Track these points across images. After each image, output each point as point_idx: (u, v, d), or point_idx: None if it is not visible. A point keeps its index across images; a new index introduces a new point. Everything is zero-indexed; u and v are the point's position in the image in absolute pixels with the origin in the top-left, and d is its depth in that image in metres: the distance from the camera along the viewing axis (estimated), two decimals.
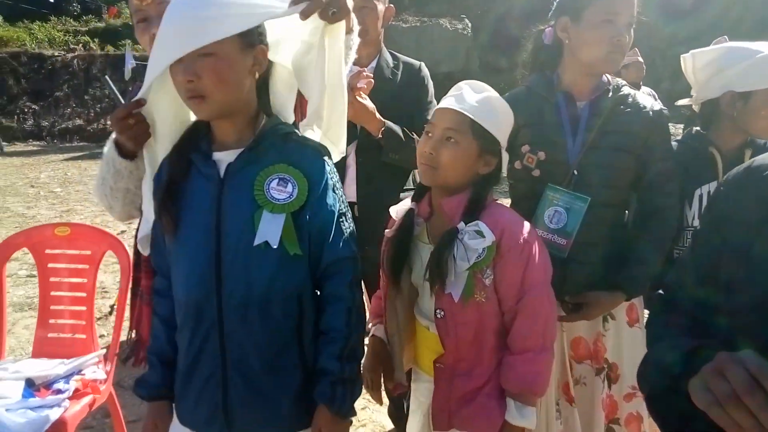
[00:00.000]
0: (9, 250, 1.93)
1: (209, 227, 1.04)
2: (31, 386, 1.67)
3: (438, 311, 1.19)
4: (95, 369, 1.80)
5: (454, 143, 1.18)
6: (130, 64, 18.57)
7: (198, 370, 1.06)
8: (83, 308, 1.95)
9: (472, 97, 1.21)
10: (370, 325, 1.41)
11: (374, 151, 1.83)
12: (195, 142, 1.11)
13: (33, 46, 23.73)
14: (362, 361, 1.20)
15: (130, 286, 1.59)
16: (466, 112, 1.18)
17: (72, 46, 24.15)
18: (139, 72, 20.47)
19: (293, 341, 1.07)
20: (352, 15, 1.20)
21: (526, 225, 1.23)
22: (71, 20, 26.47)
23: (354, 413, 1.10)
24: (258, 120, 1.13)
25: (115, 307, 3.47)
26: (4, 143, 17.51)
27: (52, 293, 1.97)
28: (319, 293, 1.13)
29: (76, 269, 1.95)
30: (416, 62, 2.00)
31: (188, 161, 1.09)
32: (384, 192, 1.85)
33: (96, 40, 24.50)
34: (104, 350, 1.85)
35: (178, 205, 1.07)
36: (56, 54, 23.70)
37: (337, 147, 1.25)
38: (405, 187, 1.97)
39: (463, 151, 1.18)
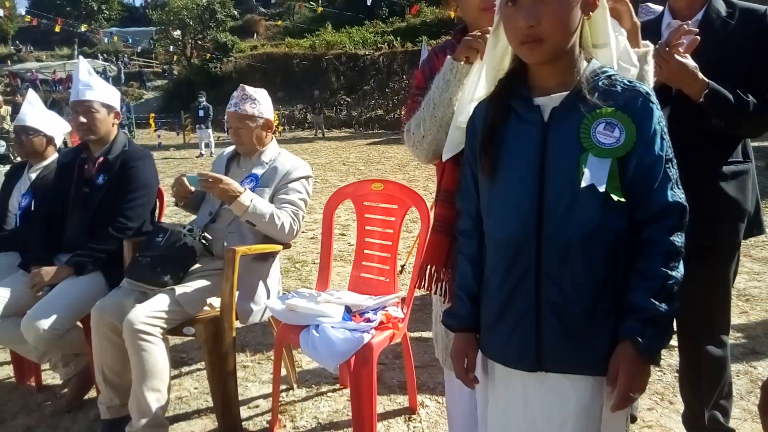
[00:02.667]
0: (340, 197, 2.33)
1: (533, 169, 1.06)
2: (349, 312, 1.99)
3: None
4: (396, 309, 2.04)
5: None
6: (426, 57, 20.43)
7: (511, 308, 1.09)
8: (388, 255, 2.22)
9: None
10: None
11: (693, 118, 1.58)
12: (514, 89, 1.13)
13: (350, 47, 28.10)
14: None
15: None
16: None
17: (379, 45, 27.77)
18: None
19: (608, 286, 1.03)
20: None
21: None
22: (380, 22, 30.38)
23: (659, 361, 1.01)
24: (579, 63, 1.09)
25: (405, 267, 3.90)
26: (325, 130, 21.34)
27: (366, 239, 2.29)
28: (637, 239, 1.05)
29: (385, 220, 2.23)
30: (761, 8, 1.64)
31: (508, 107, 1.12)
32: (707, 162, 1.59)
33: (398, 38, 27.63)
34: (403, 294, 2.08)
35: (498, 149, 1.11)
36: (367, 53, 27.61)
37: None
38: (731, 159, 1.66)
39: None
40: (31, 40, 40.31)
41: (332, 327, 1.89)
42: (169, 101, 27.88)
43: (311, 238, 5.27)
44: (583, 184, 1.00)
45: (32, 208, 2.62)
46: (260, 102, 2.30)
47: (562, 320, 1.04)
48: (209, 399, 2.41)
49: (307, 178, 2.35)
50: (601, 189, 0.99)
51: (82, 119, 2.36)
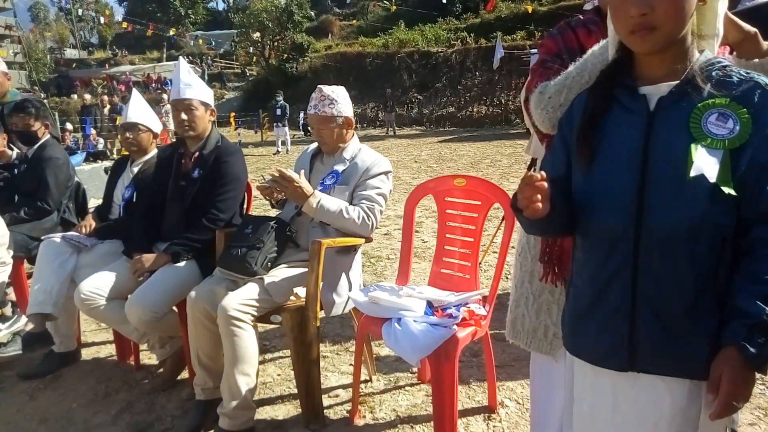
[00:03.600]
0: (421, 192, 2.34)
1: (635, 159, 1.01)
2: (431, 307, 1.99)
3: None
4: (478, 306, 2.02)
5: None
6: (500, 53, 20.02)
7: (603, 303, 1.05)
8: (469, 252, 2.20)
9: None
10: None
11: None
12: (617, 78, 1.09)
13: (423, 45, 28.06)
14: None
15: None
16: None
17: (452, 42, 27.53)
18: (506, 61, 21.80)
19: (711, 283, 0.97)
20: None
21: None
22: (453, 19, 30.12)
23: (766, 371, 0.94)
24: (691, 52, 1.03)
25: (481, 263, 3.84)
26: (396, 127, 21.47)
27: (447, 235, 2.29)
28: (745, 238, 0.98)
29: (467, 216, 2.21)
30: None
31: (611, 96, 1.08)
32: None
33: (472, 35, 27.27)
34: (485, 291, 2.05)
35: (597, 138, 1.07)
36: (439, 50, 27.46)
37: None
38: None
39: None
40: (125, 44, 43.48)
41: (414, 321, 1.90)
42: (248, 101, 29.07)
43: (385, 234, 5.32)
44: (692, 173, 0.95)
45: (134, 200, 2.82)
46: (338, 101, 2.35)
47: (659, 317, 0.99)
48: (291, 386, 2.50)
49: (386, 173, 2.37)
50: (712, 180, 0.94)
51: (183, 116, 2.50)
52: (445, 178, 2.30)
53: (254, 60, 30.97)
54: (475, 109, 24.72)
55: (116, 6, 46.19)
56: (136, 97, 2.93)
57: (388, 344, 1.92)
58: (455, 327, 1.89)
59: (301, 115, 23.02)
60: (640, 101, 1.04)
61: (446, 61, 27.10)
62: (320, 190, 2.30)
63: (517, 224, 1.25)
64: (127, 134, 2.89)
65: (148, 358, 2.81)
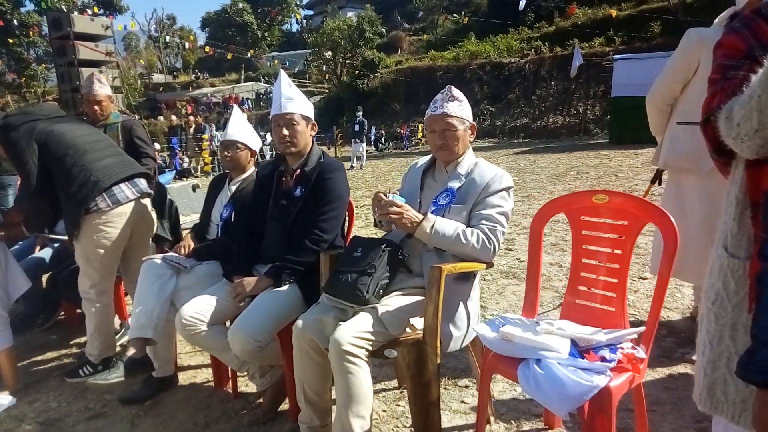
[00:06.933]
0: (550, 211, 2.05)
1: None
2: (575, 346, 1.69)
3: None
4: (633, 347, 1.69)
5: None
6: (578, 61, 19.18)
7: None
8: (615, 280, 1.88)
9: None
10: None
11: None
12: None
13: (495, 56, 27.55)
14: None
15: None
16: None
17: (525, 52, 26.84)
18: (584, 69, 20.89)
19: None
20: None
21: None
22: (526, 29, 29.39)
23: None
24: None
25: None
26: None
27: (583, 260, 1.98)
28: None
29: (612, 239, 1.90)
30: None
31: None
32: None
33: (546, 43, 26.45)
34: (641, 328, 1.73)
35: None
36: (512, 61, 26.85)
37: None
38: None
39: None
40: (207, 68, 45.92)
41: (559, 363, 1.61)
42: (321, 117, 29.66)
43: None
44: None
45: (232, 219, 2.72)
46: (465, 104, 2.12)
47: None
48: (400, 424, 2.27)
49: (508, 189, 2.10)
50: None
51: (285, 132, 2.37)
52: (580, 194, 1.99)
53: (326, 78, 31.64)
54: (550, 120, 23.87)
55: (199, 32, 49.00)
56: (237, 115, 2.85)
57: (527, 390, 1.64)
58: (610, 373, 1.58)
59: (373, 130, 23.12)
60: None
61: (519, 71, 26.43)
62: (433, 211, 2.06)
63: (698, 262, 0.94)
64: (226, 152, 2.80)
65: (246, 385, 2.67)
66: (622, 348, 1.69)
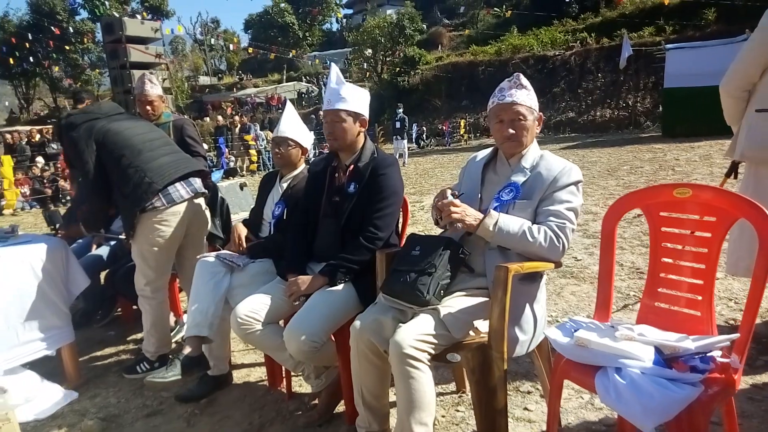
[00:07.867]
0: (625, 206, 1.90)
1: None
2: (659, 354, 1.55)
3: None
4: (725, 355, 1.54)
5: None
6: (627, 52, 18.46)
7: None
8: (699, 282, 1.72)
9: None
10: None
11: None
12: None
13: (538, 49, 26.87)
14: None
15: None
16: None
17: (570, 44, 26.06)
18: (633, 60, 20.08)
19: None
20: None
21: None
22: (570, 20, 28.55)
23: None
24: None
25: None
26: None
27: (663, 260, 1.83)
28: None
29: (698, 237, 1.74)
30: None
31: None
32: None
33: (592, 34, 25.60)
34: (735, 335, 1.57)
35: None
36: (556, 54, 26.12)
37: None
38: None
39: None
40: (250, 69, 46.79)
41: (642, 373, 1.48)
42: None
43: None
44: None
45: (284, 217, 2.68)
46: (531, 92, 1.99)
47: None
48: (459, 430, 2.17)
49: (577, 183, 1.96)
50: None
51: (329, 128, 2.33)
52: (659, 187, 1.84)
53: (367, 75, 31.68)
54: (598, 113, 23.10)
55: (242, 34, 50.02)
56: (289, 111, 2.81)
57: (606, 401, 1.51)
58: (700, 386, 1.44)
59: (414, 127, 22.93)
60: None
61: (564, 64, 25.68)
62: (495, 207, 1.95)
63: None
64: (277, 149, 2.77)
65: (300, 385, 2.63)
66: (713, 357, 1.53)
